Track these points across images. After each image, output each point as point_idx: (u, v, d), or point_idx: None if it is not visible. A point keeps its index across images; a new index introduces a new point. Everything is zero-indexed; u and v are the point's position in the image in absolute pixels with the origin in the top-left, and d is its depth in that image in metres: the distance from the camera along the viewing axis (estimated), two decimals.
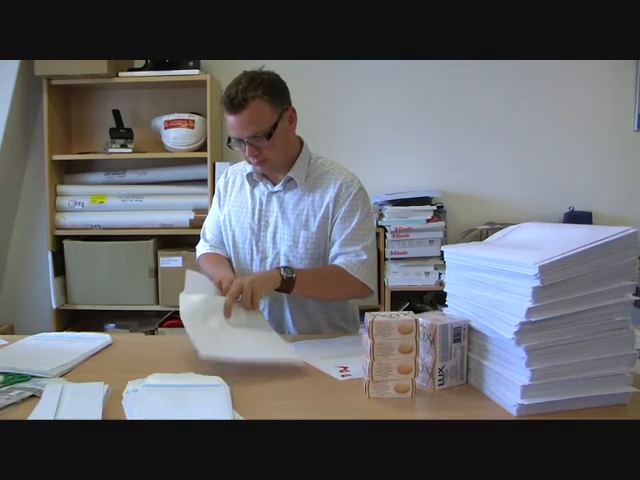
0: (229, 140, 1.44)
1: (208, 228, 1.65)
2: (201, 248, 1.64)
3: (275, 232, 1.51)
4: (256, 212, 1.53)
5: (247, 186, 1.56)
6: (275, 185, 1.52)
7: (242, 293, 1.28)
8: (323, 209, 1.47)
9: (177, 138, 2.61)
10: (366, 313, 1.00)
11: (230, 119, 1.38)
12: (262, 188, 1.54)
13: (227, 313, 1.27)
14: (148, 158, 2.70)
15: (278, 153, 1.44)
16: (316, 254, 1.49)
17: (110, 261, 2.63)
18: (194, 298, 1.29)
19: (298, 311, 1.51)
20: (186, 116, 2.62)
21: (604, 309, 0.92)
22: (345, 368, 1.15)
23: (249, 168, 1.53)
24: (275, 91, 1.39)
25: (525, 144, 2.83)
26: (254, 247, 1.53)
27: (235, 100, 1.34)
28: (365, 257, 1.44)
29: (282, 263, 1.49)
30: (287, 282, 1.36)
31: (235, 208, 1.56)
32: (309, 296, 1.47)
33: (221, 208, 1.60)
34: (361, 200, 1.48)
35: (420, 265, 2.59)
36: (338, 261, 1.45)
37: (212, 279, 1.43)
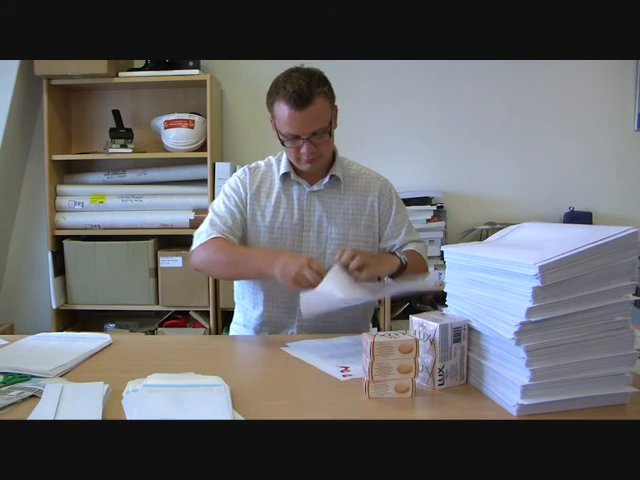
0: (281, 139, 1.40)
1: (219, 219, 1.48)
2: (210, 232, 1.45)
3: (320, 231, 1.50)
4: (295, 212, 1.50)
5: (277, 187, 1.51)
6: (312, 185, 1.51)
7: (352, 260, 1.27)
8: (368, 208, 1.53)
9: (177, 138, 2.61)
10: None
11: (291, 115, 1.34)
12: (298, 188, 1.51)
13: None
14: (148, 158, 2.70)
15: (329, 150, 1.47)
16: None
17: (110, 261, 2.63)
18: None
19: None
20: (186, 116, 2.62)
21: (604, 309, 0.92)
22: (346, 368, 1.15)
23: (283, 168, 1.50)
24: (330, 87, 1.41)
25: (525, 144, 2.84)
26: (296, 248, 1.49)
27: (303, 96, 1.32)
28: (425, 241, 1.64)
29: (329, 262, 1.45)
30: (401, 267, 1.41)
31: (269, 209, 1.50)
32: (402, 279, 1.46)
33: (246, 208, 1.50)
34: (399, 196, 1.61)
35: None
36: (411, 246, 1.55)
37: (232, 260, 1.40)
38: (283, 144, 1.42)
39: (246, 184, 1.53)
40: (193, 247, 1.48)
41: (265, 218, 1.50)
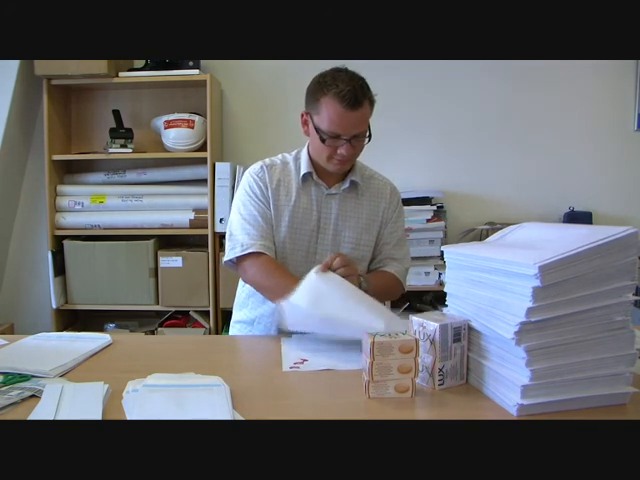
0: (322, 137, 1.38)
1: (251, 225, 1.46)
2: (248, 244, 1.44)
3: (335, 234, 1.50)
4: (314, 213, 1.49)
5: (296, 185, 1.50)
6: (330, 187, 1.51)
7: (343, 267, 1.29)
8: (380, 214, 1.55)
9: (177, 138, 2.61)
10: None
11: (341, 114, 1.34)
12: (316, 189, 1.51)
13: (324, 266, 1.28)
14: (148, 158, 2.70)
15: (359, 154, 1.47)
16: (369, 257, 1.55)
17: (110, 261, 2.63)
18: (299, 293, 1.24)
19: None
20: (186, 116, 2.62)
21: (604, 309, 0.92)
22: (303, 361, 1.17)
23: (305, 167, 1.49)
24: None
25: (525, 144, 2.84)
26: (312, 248, 1.49)
27: (357, 96, 1.33)
28: (410, 265, 1.60)
29: None
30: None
31: (289, 208, 1.48)
32: None
33: (268, 205, 1.48)
34: (402, 205, 1.61)
35: (420, 265, 2.59)
36: (391, 267, 1.54)
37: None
38: (323, 141, 1.38)
39: (266, 181, 1.50)
40: (228, 257, 1.47)
41: (285, 217, 1.48)
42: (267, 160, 1.55)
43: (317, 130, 1.39)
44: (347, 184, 1.51)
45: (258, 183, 1.50)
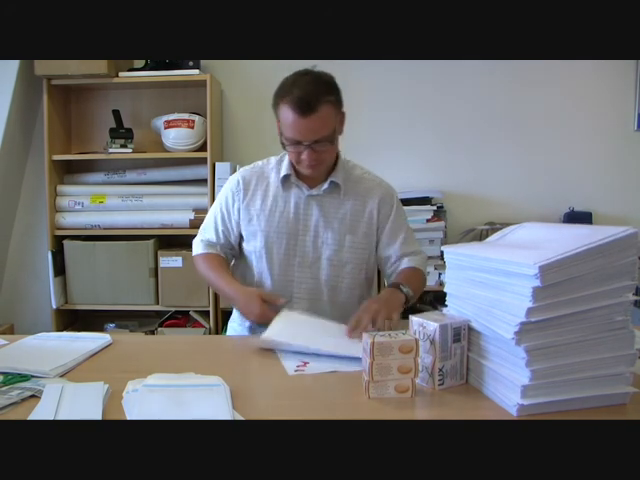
0: (283, 142, 1.40)
1: (212, 228, 1.57)
2: (199, 246, 1.58)
3: (316, 236, 1.49)
4: (292, 216, 1.49)
5: (274, 189, 1.51)
6: (312, 189, 1.49)
7: (377, 321, 1.26)
8: (367, 214, 1.51)
9: (177, 138, 2.61)
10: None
11: (294, 121, 1.33)
12: (297, 191, 1.50)
13: (350, 333, 1.27)
14: (148, 158, 2.70)
15: (331, 157, 1.45)
16: (360, 259, 1.52)
17: (110, 261, 2.63)
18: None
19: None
20: (186, 116, 2.62)
21: (604, 309, 0.92)
22: (305, 363, 1.17)
23: (284, 169, 1.49)
24: (338, 94, 1.38)
25: (525, 144, 2.84)
26: (291, 252, 1.49)
27: (308, 102, 1.30)
28: (425, 253, 1.60)
29: (324, 268, 1.49)
30: (406, 301, 1.37)
31: (265, 212, 1.50)
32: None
33: (236, 212, 1.53)
34: (401, 205, 1.59)
35: None
36: (408, 263, 1.53)
37: (213, 282, 1.53)
38: (284, 147, 1.41)
39: (239, 196, 1.52)
40: (192, 253, 1.62)
41: (261, 222, 1.50)
42: (249, 166, 1.58)
43: (280, 135, 1.40)
44: (327, 185, 1.49)
45: (231, 189, 1.54)
